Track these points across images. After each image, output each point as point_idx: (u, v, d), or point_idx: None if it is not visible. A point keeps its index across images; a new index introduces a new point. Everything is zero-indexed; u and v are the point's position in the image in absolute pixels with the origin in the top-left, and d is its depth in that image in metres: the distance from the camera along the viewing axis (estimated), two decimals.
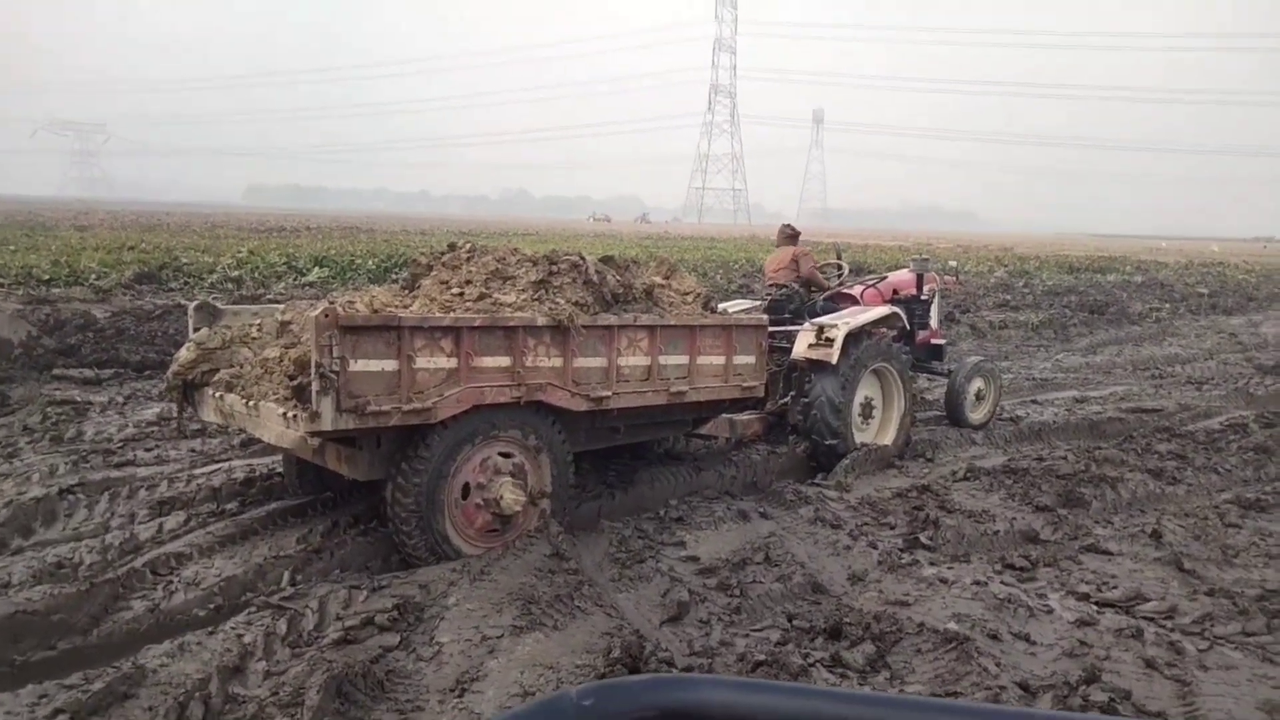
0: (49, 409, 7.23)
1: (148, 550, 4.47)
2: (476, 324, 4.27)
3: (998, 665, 3.48)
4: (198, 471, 5.73)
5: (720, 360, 5.48)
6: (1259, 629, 3.87)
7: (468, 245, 5.25)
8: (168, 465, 5.89)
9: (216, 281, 15.67)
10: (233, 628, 3.61)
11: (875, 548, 4.78)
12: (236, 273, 16.81)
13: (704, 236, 56.68)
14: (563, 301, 4.65)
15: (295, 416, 3.93)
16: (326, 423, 3.81)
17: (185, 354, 4.85)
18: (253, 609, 3.80)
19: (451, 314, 4.32)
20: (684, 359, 5.26)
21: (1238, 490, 5.96)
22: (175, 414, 4.94)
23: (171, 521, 4.83)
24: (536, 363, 4.51)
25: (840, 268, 8.09)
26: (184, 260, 18.08)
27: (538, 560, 4.25)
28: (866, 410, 6.61)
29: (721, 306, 6.53)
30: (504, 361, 4.39)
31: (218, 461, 6.03)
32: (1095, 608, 4.12)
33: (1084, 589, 4.32)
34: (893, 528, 5.15)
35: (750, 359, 5.67)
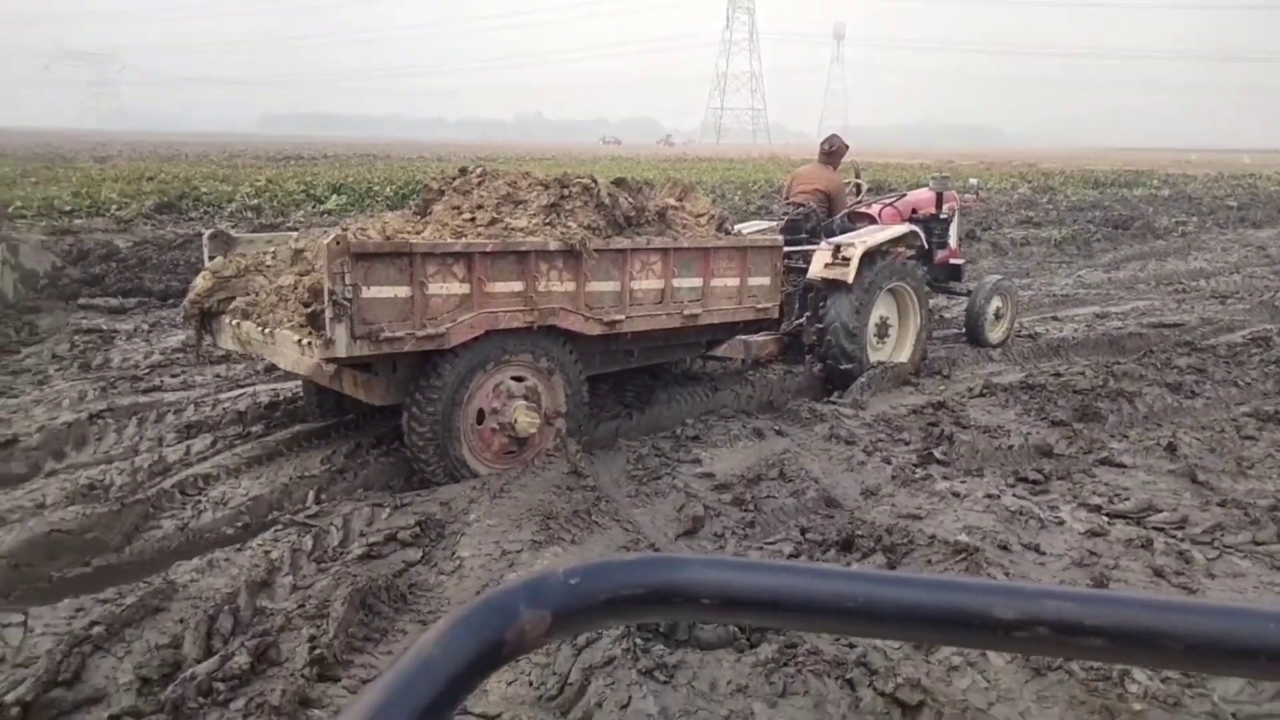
0: (76, 337, 7.36)
1: (176, 472, 4.59)
2: (488, 249, 4.26)
3: (1006, 574, 3.54)
4: (223, 396, 5.83)
5: (735, 282, 5.44)
6: (1269, 538, 3.90)
7: (479, 170, 5.19)
8: (193, 390, 6.00)
9: (236, 210, 15.69)
10: (260, 544, 3.72)
11: (889, 463, 4.82)
12: (255, 201, 16.81)
13: (723, 158, 55.79)
14: (574, 225, 4.61)
15: (310, 344, 3.97)
16: (341, 349, 3.86)
17: (201, 282, 4.87)
18: (279, 527, 3.91)
19: (463, 239, 4.30)
20: (698, 281, 5.23)
21: (1256, 403, 5.93)
22: (195, 342, 4.99)
23: (199, 444, 4.94)
24: (549, 287, 4.51)
25: (859, 187, 7.94)
26: (203, 190, 18.08)
27: (556, 478, 4.33)
28: (882, 330, 6.58)
29: (738, 227, 6.45)
30: (516, 286, 4.40)
31: (242, 386, 6.13)
32: (1106, 519, 4.15)
33: (1096, 501, 4.35)
34: (907, 443, 5.18)
35: (765, 280, 5.63)
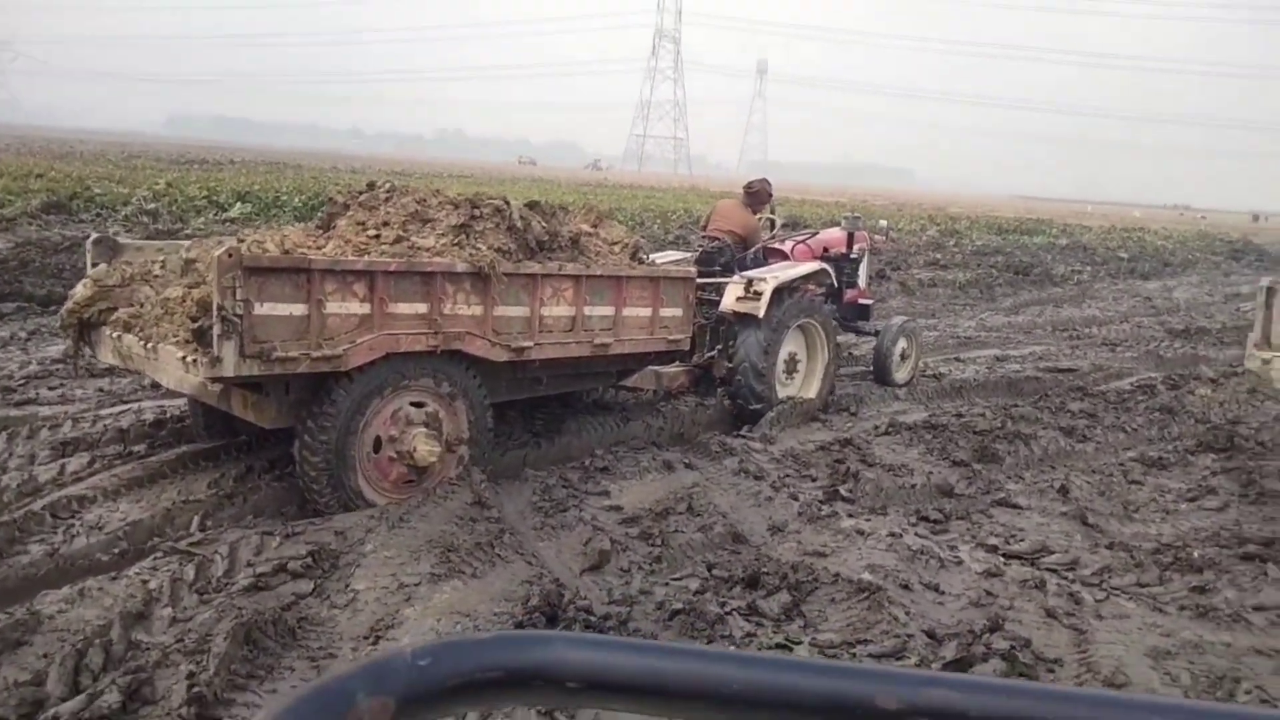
0: None
1: (48, 492, 4.30)
2: (391, 268, 4.10)
3: (907, 614, 3.58)
4: (104, 412, 5.50)
5: (647, 312, 5.41)
6: (1152, 580, 4.05)
7: (387, 185, 5.03)
8: (72, 405, 5.65)
9: (131, 214, 14.98)
10: (137, 573, 3.50)
11: (796, 499, 4.85)
12: (153, 205, 16.09)
13: (643, 185, 56.26)
14: (484, 248, 4.50)
15: (196, 361, 3.76)
16: (228, 368, 3.68)
17: (81, 291, 4.59)
18: (159, 554, 3.69)
19: (366, 257, 4.14)
20: (609, 310, 5.17)
21: (1142, 449, 6.21)
22: (73, 353, 4.72)
23: (74, 463, 4.64)
24: (455, 310, 4.37)
25: (773, 223, 8.05)
26: (96, 191, 17.23)
27: (459, 508, 4.21)
28: (791, 366, 6.68)
29: (652, 257, 6.46)
30: (420, 308, 4.25)
31: (126, 402, 5.80)
32: (1002, 559, 4.26)
33: (993, 541, 4.46)
34: (814, 480, 5.24)
35: (677, 311, 5.62)
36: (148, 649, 3.03)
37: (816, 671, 0.60)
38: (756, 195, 7.51)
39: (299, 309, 3.85)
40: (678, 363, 6.40)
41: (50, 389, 5.97)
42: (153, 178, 22.38)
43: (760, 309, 6.13)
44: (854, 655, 3.32)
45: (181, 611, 3.31)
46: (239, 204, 17.52)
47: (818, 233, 8.36)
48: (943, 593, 3.88)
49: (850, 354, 8.94)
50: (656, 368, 6.23)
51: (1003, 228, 32.32)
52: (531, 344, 4.75)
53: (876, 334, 7.95)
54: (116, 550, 3.84)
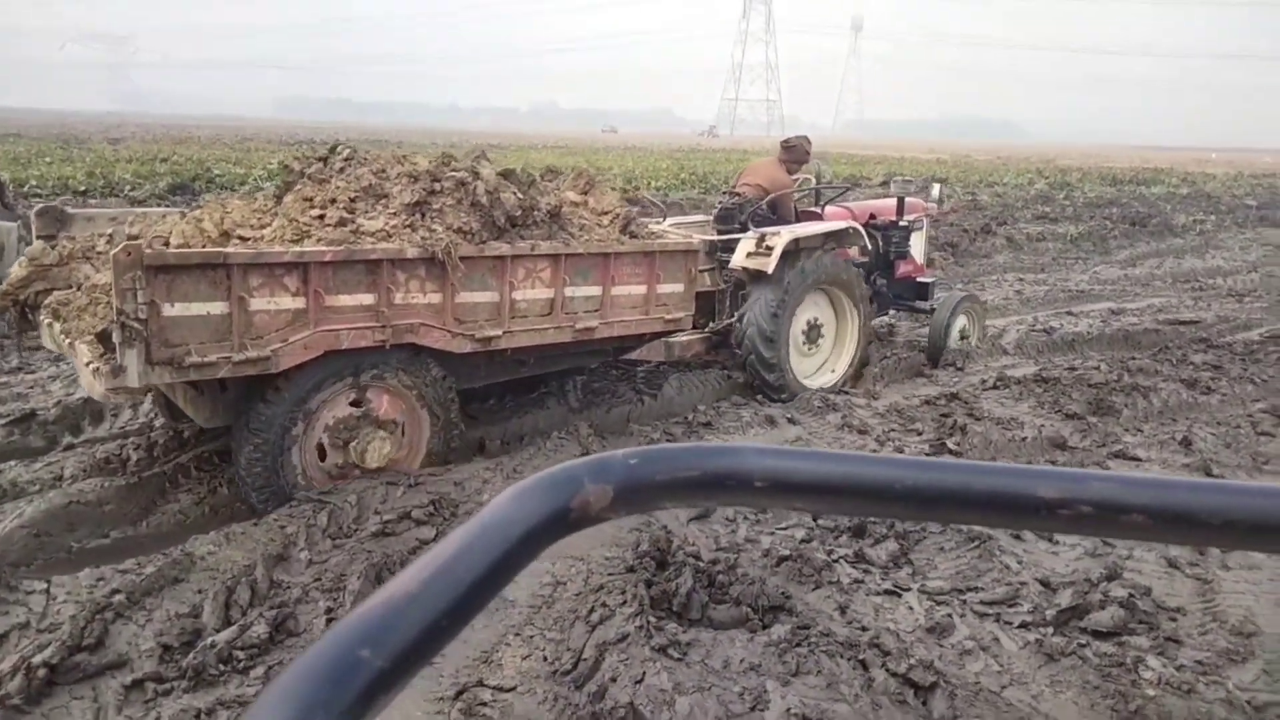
0: None
1: (191, 448, 4.62)
2: (326, 259, 3.63)
3: (1019, 563, 3.54)
4: None
5: (640, 290, 4.82)
6: None
7: (345, 153, 4.42)
8: None
9: (249, 192, 15.75)
10: (275, 520, 3.74)
11: (902, 452, 4.82)
12: (267, 184, 16.87)
13: (737, 149, 55.62)
14: (440, 229, 4.00)
15: (98, 369, 3.35)
16: (133, 378, 3.30)
17: (16, 271, 4.17)
18: (294, 503, 3.93)
19: (296, 247, 3.67)
20: (595, 290, 4.61)
21: (1273, 400, 5.90)
22: (15, 335, 4.36)
23: None
24: (408, 300, 3.92)
25: (818, 179, 7.29)
26: (216, 172, 18.15)
27: (568, 460, 4.34)
28: (812, 335, 6.10)
29: (667, 221, 6.09)
30: (366, 299, 3.80)
31: None
32: None
33: None
34: (920, 433, 5.18)
35: (677, 287, 4.99)
36: (289, 587, 3.26)
37: (981, 471, 0.66)
38: (794, 151, 6.75)
39: (218, 307, 3.45)
40: (693, 330, 5.81)
41: None
42: (266, 158, 23.42)
43: (770, 265, 5.53)
44: (964, 602, 3.31)
45: (317, 554, 3.54)
46: None
47: (848, 190, 7.57)
48: (1056, 542, 3.82)
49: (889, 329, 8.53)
50: (668, 339, 5.68)
51: (1117, 179, 30.78)
52: (500, 332, 4.26)
53: (932, 311, 7.07)
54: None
